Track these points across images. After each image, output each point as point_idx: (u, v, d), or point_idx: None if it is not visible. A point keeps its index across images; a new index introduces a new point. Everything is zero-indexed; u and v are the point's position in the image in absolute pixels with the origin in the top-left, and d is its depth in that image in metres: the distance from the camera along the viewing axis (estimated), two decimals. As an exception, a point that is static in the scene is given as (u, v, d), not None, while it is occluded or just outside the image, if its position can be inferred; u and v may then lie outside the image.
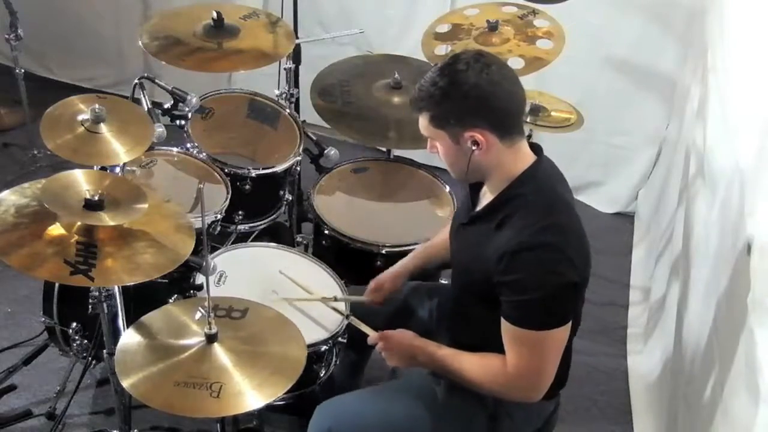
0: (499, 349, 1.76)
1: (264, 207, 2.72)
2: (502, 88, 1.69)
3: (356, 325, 2.04)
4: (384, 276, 2.15)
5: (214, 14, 2.55)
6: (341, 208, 2.60)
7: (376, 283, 2.14)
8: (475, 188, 1.89)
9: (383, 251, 2.41)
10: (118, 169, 2.17)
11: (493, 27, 2.57)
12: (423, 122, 1.76)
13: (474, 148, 1.71)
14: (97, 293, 2.00)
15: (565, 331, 1.73)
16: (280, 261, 2.31)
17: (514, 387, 1.77)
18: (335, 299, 2.16)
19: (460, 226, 1.91)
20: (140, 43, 2.49)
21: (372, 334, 1.97)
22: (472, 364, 1.81)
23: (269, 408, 2.02)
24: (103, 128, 2.03)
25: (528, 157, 1.77)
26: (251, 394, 1.60)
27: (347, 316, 2.06)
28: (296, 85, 2.96)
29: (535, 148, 1.81)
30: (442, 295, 2.16)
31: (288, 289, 2.17)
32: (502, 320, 1.73)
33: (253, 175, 2.58)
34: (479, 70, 1.67)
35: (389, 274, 2.14)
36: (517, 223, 1.71)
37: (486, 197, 1.84)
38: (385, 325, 2.00)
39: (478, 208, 1.85)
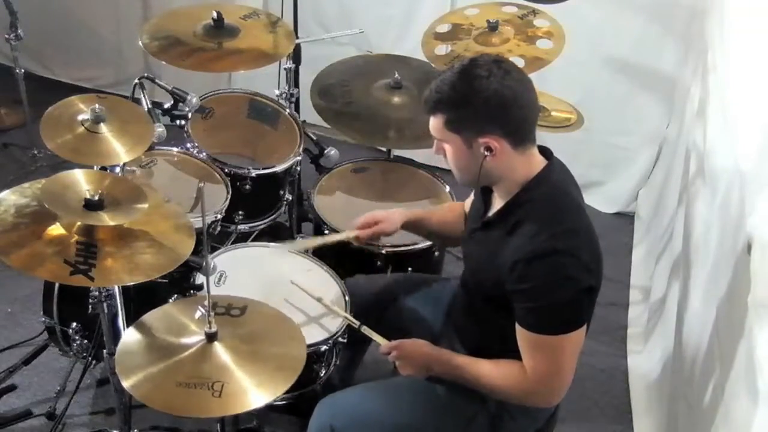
0: (511, 353, 1.76)
1: (264, 207, 2.71)
2: (522, 96, 1.68)
3: (368, 334, 1.99)
4: (380, 215, 2.14)
5: (214, 14, 2.55)
6: (341, 208, 2.60)
7: (369, 219, 2.13)
8: (487, 193, 1.87)
9: (383, 251, 2.41)
10: (118, 169, 2.17)
11: (493, 27, 2.57)
12: (436, 124, 1.74)
13: (487, 153, 1.70)
14: (97, 293, 2.00)
15: (581, 333, 1.72)
16: (280, 261, 2.31)
17: (534, 393, 1.77)
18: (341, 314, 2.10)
19: (472, 230, 1.90)
20: (140, 43, 2.49)
21: (384, 344, 1.94)
22: (490, 371, 1.80)
23: (269, 408, 2.02)
24: (103, 128, 2.03)
25: (539, 162, 1.77)
26: (252, 394, 1.60)
27: (359, 326, 2.02)
28: (296, 85, 2.96)
29: (546, 152, 1.80)
30: (448, 298, 2.14)
31: (291, 289, 2.16)
32: (518, 326, 1.72)
33: (253, 175, 2.58)
34: (501, 77, 1.66)
35: (386, 215, 2.13)
36: (528, 230, 1.70)
37: (497, 202, 1.83)
38: (391, 330, 1.98)
39: (490, 213, 1.84)
